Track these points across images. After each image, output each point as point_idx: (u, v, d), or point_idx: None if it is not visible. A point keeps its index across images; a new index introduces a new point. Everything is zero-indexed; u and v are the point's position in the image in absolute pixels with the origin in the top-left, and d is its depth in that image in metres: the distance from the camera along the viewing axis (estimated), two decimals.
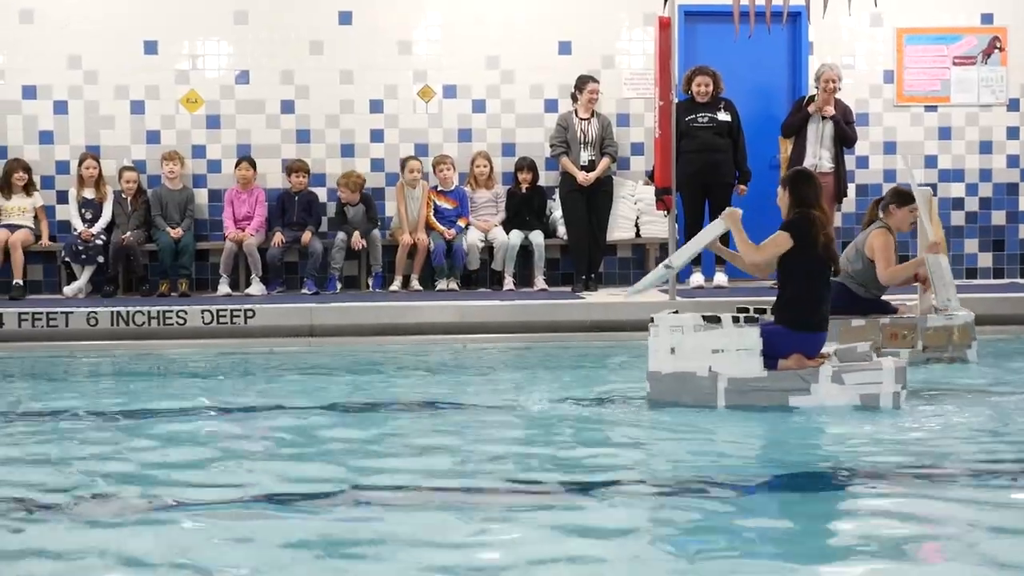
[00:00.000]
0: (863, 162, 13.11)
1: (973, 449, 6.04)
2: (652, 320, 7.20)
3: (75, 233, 12.10)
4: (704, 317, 7.02)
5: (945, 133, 13.43)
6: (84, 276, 12.04)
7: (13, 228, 12.08)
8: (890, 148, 13.36)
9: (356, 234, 12.20)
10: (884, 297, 9.26)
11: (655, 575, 4.05)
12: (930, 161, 13.40)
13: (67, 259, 12.06)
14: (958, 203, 13.39)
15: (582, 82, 12.33)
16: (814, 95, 12.09)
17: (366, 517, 4.75)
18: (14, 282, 11.89)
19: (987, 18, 13.39)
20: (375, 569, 4.08)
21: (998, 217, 13.39)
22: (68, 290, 11.95)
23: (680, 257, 7.99)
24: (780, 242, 7.17)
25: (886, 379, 7.02)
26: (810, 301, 7.15)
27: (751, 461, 6.00)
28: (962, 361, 8.73)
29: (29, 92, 12.67)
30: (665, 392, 7.03)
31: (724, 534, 4.48)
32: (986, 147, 13.50)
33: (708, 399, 6.97)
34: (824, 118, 11.96)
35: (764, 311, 7.17)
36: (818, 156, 11.94)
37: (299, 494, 5.15)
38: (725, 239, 8.38)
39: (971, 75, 13.38)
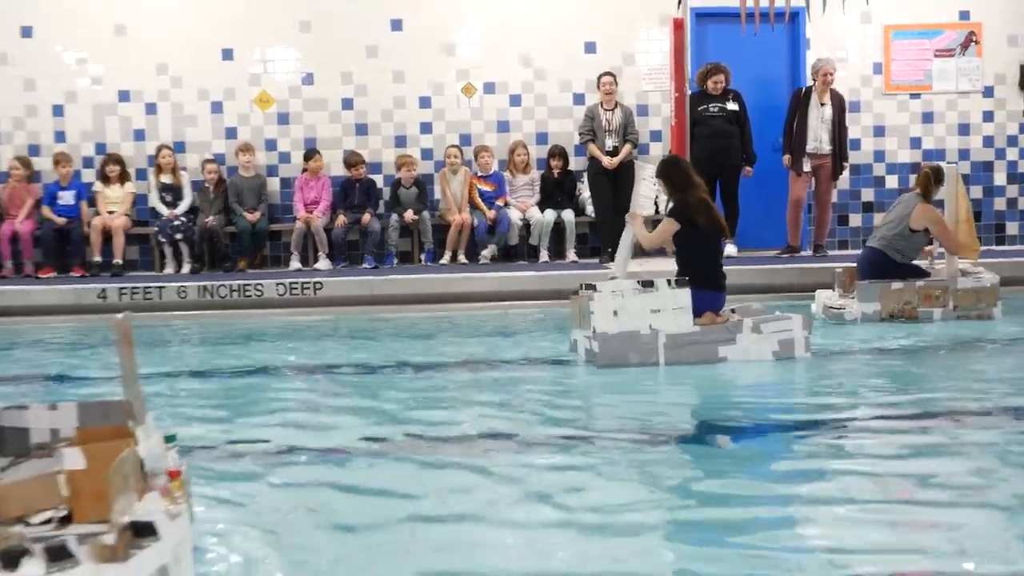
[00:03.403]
0: (856, 144, 12.81)
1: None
2: (581, 288, 7.20)
3: (164, 218, 12.03)
4: (640, 282, 6.98)
5: (928, 117, 13.22)
6: (184, 253, 12.04)
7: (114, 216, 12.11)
8: (879, 131, 13.17)
9: (409, 213, 12.09)
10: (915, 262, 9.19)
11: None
12: (914, 143, 13.21)
13: (162, 239, 11.99)
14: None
15: (600, 76, 12.23)
16: (811, 86, 11.86)
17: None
18: (114, 261, 11.92)
19: (964, 15, 13.12)
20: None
21: (975, 191, 13.00)
22: (184, 268, 11.99)
23: (620, 267, 7.84)
24: (667, 228, 7.40)
25: (796, 327, 7.05)
26: (709, 265, 7.29)
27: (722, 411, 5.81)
28: (988, 318, 8.63)
29: (124, 96, 12.70)
30: (612, 350, 6.82)
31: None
32: (964, 129, 13.27)
33: (651, 355, 6.83)
34: (823, 104, 11.74)
35: (650, 282, 7.06)
36: (819, 140, 11.77)
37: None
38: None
39: (950, 66, 13.17)
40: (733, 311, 7.34)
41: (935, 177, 9.07)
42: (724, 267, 7.52)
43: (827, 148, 11.81)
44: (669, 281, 6.96)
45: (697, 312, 7.00)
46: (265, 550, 3.53)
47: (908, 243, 8.95)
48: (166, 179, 12.27)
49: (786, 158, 11.85)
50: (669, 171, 7.54)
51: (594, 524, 3.69)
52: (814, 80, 11.86)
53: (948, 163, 9.88)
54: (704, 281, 7.11)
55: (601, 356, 6.83)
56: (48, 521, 3.15)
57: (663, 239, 7.51)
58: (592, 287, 7.04)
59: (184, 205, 12.20)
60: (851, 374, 6.85)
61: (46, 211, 12.07)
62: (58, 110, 12.67)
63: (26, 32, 12.55)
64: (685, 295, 6.91)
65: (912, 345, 7.67)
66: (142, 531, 2.91)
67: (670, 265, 7.74)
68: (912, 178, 12.99)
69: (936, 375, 6.74)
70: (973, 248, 9.27)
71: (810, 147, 11.75)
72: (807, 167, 11.79)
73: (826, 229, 12.20)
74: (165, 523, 2.98)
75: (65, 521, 3.17)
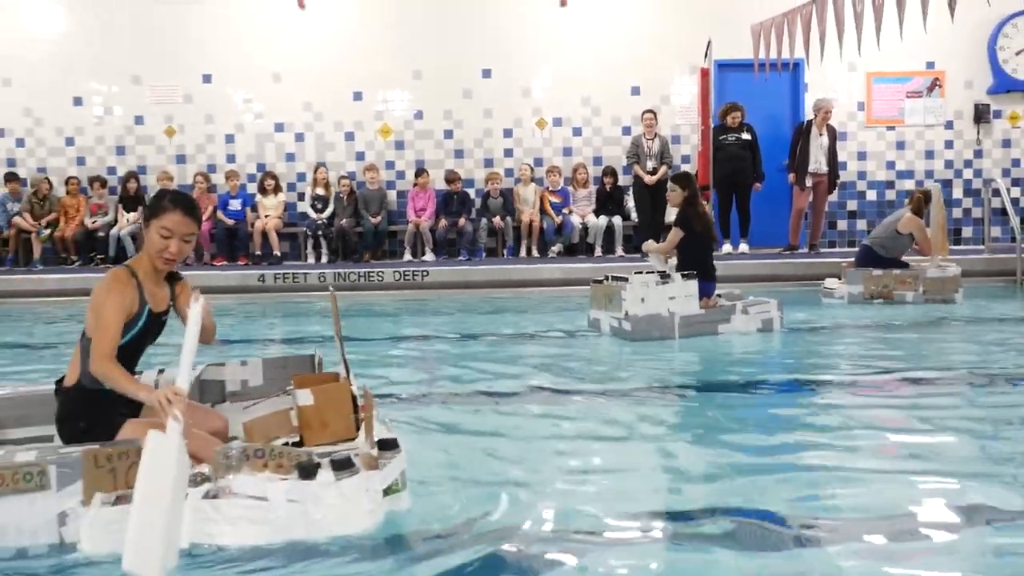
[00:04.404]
0: (843, 166, 12.72)
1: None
2: (606, 278, 7.14)
3: (312, 219, 12.23)
4: (660, 275, 6.93)
5: (901, 145, 13.08)
6: (323, 248, 12.22)
7: (269, 219, 12.29)
8: (862, 156, 13.09)
9: (496, 218, 12.18)
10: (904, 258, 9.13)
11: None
12: (890, 165, 13.08)
13: (310, 235, 12.19)
14: (910, 193, 12.83)
15: (643, 113, 12.21)
16: (811, 120, 11.77)
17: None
18: (273, 253, 12.11)
19: (930, 64, 12.94)
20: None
21: None
22: (323, 259, 12.16)
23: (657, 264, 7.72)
24: (675, 236, 7.30)
25: (773, 310, 7.15)
26: (703, 262, 7.21)
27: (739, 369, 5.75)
28: (951, 302, 8.50)
29: (279, 127, 12.87)
30: (641, 328, 6.80)
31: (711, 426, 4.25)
32: (930, 155, 13.11)
33: (668, 331, 6.83)
34: (821, 134, 11.65)
35: (667, 274, 7.01)
36: (818, 162, 11.66)
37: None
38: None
39: (919, 104, 13.02)
40: (720, 296, 7.37)
41: (925, 199, 9.03)
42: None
43: (824, 169, 11.70)
44: (683, 275, 6.96)
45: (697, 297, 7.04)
46: (432, 462, 3.58)
47: (893, 243, 8.91)
48: (319, 191, 12.46)
49: (791, 176, 11.76)
50: (686, 182, 7.37)
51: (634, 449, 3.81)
52: (815, 115, 11.74)
53: (934, 182, 9.80)
54: (701, 274, 7.08)
55: (632, 332, 6.81)
56: (284, 445, 3.22)
57: (674, 244, 7.35)
58: (623, 279, 6.98)
59: (330, 211, 12.36)
60: (822, 343, 6.77)
61: (219, 214, 12.29)
62: (230, 138, 12.90)
63: (206, 79, 12.80)
64: (693, 286, 6.94)
65: (884, 320, 7.57)
66: (385, 446, 3.09)
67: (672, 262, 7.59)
68: (888, 192, 13.00)
69: (896, 343, 6.52)
70: (944, 248, 9.18)
71: (811, 168, 11.64)
72: (809, 183, 11.70)
73: (820, 232, 12.10)
74: (401, 440, 3.16)
75: (297, 446, 3.25)
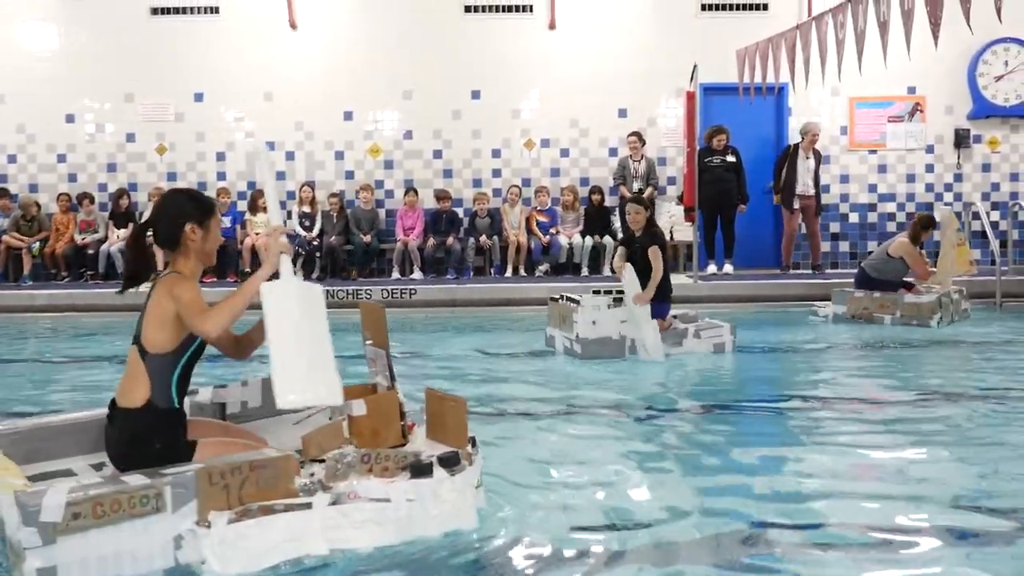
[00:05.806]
0: (826, 188, 12.74)
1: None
2: (561, 297, 7.11)
3: (301, 238, 12.10)
4: (613, 298, 6.87)
5: (883, 168, 13.09)
6: (315, 265, 12.16)
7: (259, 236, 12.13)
8: (845, 179, 13.07)
9: (483, 237, 12.13)
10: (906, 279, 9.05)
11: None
12: (872, 188, 13.08)
13: (301, 253, 12.03)
14: (891, 216, 12.98)
15: (629, 135, 12.23)
16: (798, 143, 11.79)
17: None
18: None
19: (911, 89, 12.96)
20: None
21: None
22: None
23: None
24: (659, 257, 6.94)
25: (726, 333, 7.08)
26: (664, 283, 7.00)
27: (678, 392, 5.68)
28: (926, 326, 8.37)
29: (270, 146, 12.83)
30: (591, 350, 6.74)
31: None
32: (911, 178, 13.11)
33: (619, 353, 6.77)
34: (808, 157, 11.66)
35: (619, 296, 6.93)
36: (805, 184, 11.70)
37: None
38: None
39: (900, 129, 13.03)
40: (675, 317, 7.26)
41: (922, 224, 8.99)
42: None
43: (811, 191, 11.77)
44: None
45: (653, 317, 6.85)
46: None
47: (885, 265, 8.94)
48: (305, 209, 12.38)
49: (776, 197, 11.78)
50: (647, 203, 7.30)
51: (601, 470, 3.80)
52: (802, 138, 11.78)
53: (944, 205, 9.87)
54: (659, 296, 6.91)
55: (583, 355, 6.75)
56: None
57: (661, 266, 6.95)
58: (575, 300, 6.88)
59: (317, 228, 12.29)
60: (774, 364, 6.82)
61: None
62: (220, 156, 12.85)
63: (198, 97, 12.75)
64: (645, 310, 6.77)
65: (849, 342, 7.58)
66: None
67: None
68: (869, 215, 13.02)
69: (851, 364, 6.54)
70: (947, 272, 9.14)
71: (799, 190, 11.69)
72: (796, 205, 11.70)
73: (818, 252, 12.08)
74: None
75: None
